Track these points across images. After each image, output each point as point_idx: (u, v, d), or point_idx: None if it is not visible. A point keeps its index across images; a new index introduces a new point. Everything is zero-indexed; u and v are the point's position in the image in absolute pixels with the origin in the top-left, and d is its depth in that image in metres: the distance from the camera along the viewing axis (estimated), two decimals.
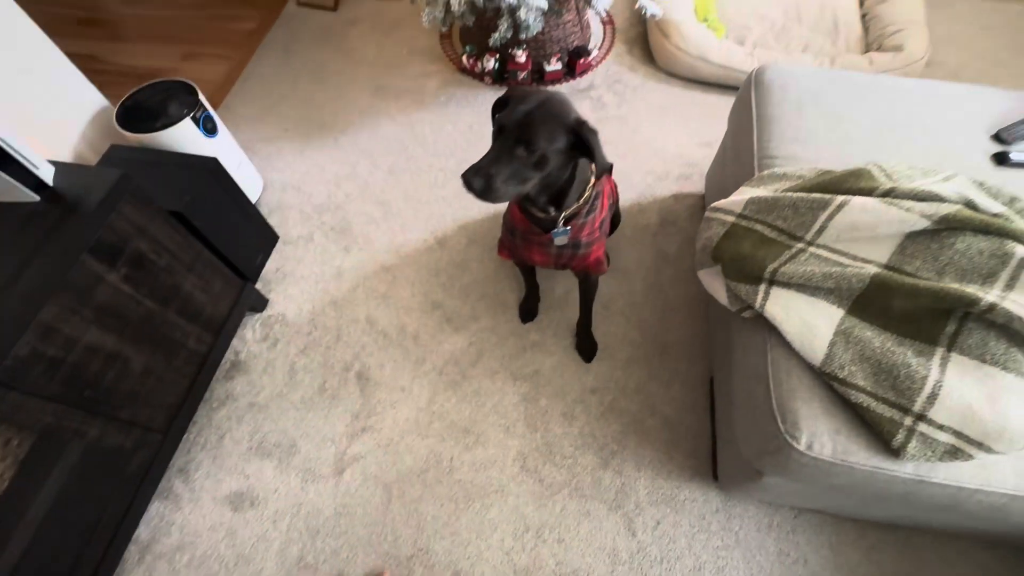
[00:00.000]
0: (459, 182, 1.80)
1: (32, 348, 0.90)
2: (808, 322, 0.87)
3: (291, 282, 1.61)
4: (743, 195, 1.06)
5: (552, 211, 1.02)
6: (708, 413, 1.34)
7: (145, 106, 1.42)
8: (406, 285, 1.59)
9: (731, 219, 1.05)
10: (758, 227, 1.00)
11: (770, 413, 0.86)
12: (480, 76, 2.05)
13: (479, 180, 0.84)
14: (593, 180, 1.03)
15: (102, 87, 1.48)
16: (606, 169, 0.89)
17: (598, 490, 1.26)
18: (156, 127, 1.37)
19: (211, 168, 1.34)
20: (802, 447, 0.81)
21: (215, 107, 1.90)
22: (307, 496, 1.27)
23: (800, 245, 0.94)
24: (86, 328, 0.99)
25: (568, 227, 1.05)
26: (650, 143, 1.89)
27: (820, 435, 0.81)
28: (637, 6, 1.73)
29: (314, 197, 1.79)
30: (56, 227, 0.95)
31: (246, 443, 1.35)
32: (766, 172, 1.11)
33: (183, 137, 1.41)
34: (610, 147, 1.86)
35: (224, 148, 1.54)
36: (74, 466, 1.05)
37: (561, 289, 1.56)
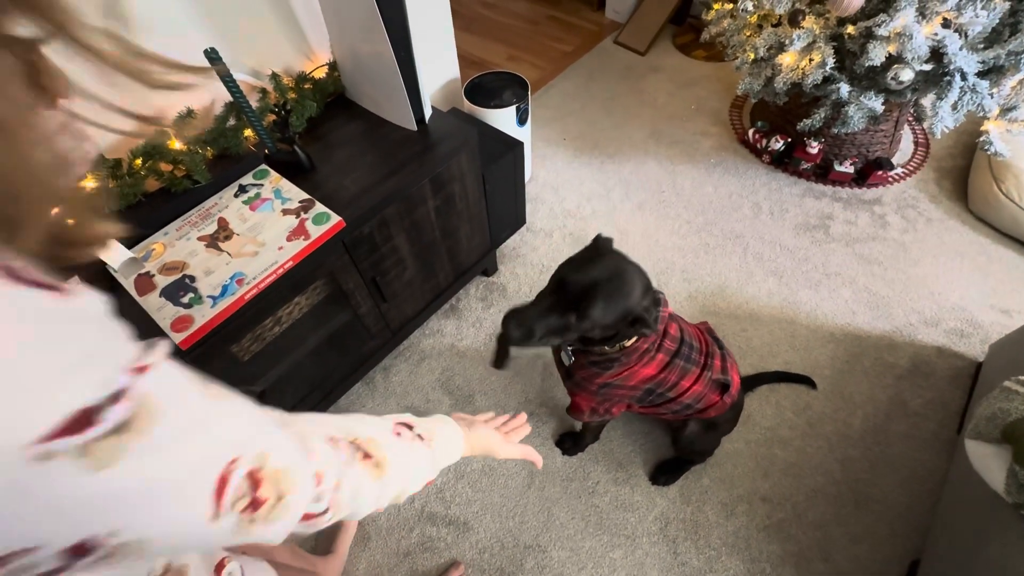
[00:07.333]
0: (698, 239, 1.83)
1: (370, 231, 1.17)
2: None
3: (520, 263, 1.80)
4: None
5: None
6: None
7: (486, 87, 1.74)
8: None
9: None
10: None
11: None
12: (759, 153, 2.04)
13: (519, 331, 0.80)
14: (627, 343, 0.94)
15: None
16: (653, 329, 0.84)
17: None
18: (490, 104, 1.67)
19: (515, 149, 1.58)
20: None
21: None
22: None
23: None
24: (400, 232, 1.26)
25: (573, 356, 1.02)
26: (927, 282, 1.67)
27: None
28: (980, 139, 1.55)
29: (566, 202, 1.97)
30: (418, 154, 1.22)
31: (437, 374, 1.55)
32: None
33: (503, 118, 1.69)
34: (876, 267, 1.71)
35: (524, 137, 1.79)
36: (336, 329, 1.33)
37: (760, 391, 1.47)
